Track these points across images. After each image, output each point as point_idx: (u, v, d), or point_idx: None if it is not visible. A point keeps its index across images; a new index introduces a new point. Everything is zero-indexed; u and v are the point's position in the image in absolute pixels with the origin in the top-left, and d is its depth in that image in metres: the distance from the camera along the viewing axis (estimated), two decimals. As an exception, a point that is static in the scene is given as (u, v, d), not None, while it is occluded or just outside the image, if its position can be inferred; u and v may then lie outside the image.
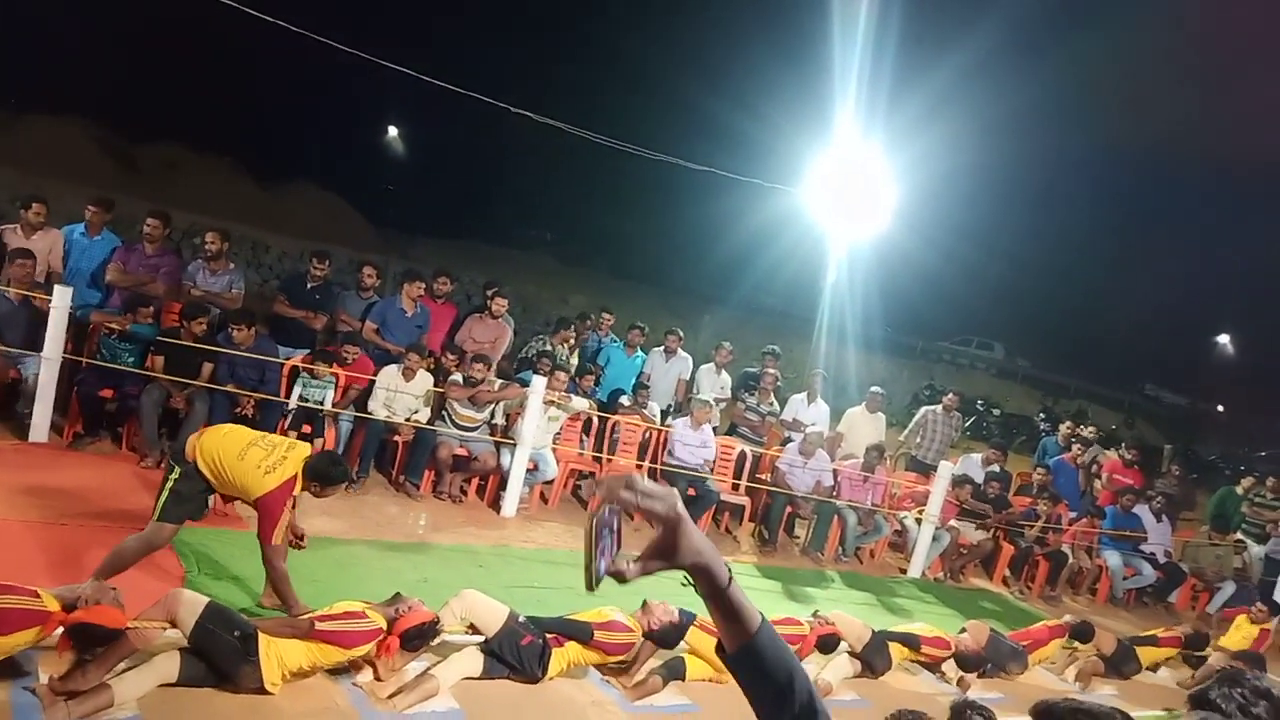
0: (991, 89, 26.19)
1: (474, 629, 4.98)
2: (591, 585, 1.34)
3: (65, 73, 22.31)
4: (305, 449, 5.03)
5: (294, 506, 4.97)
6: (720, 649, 1.45)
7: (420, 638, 4.64)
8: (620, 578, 1.35)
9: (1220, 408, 34.28)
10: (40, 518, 5.61)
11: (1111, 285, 39.60)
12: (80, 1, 24.01)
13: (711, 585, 1.40)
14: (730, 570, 1.41)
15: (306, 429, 7.50)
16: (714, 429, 9.55)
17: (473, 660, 4.87)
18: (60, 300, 6.75)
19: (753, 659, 1.43)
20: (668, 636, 5.31)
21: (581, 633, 5.13)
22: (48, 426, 6.94)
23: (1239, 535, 11.39)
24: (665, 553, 1.36)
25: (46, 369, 6.77)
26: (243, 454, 4.88)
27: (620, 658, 5.34)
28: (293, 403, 7.51)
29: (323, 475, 4.94)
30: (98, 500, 6.11)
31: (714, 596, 1.41)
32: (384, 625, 4.53)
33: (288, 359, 7.84)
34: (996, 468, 10.47)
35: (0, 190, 13.41)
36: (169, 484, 4.86)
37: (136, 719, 3.87)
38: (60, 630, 3.80)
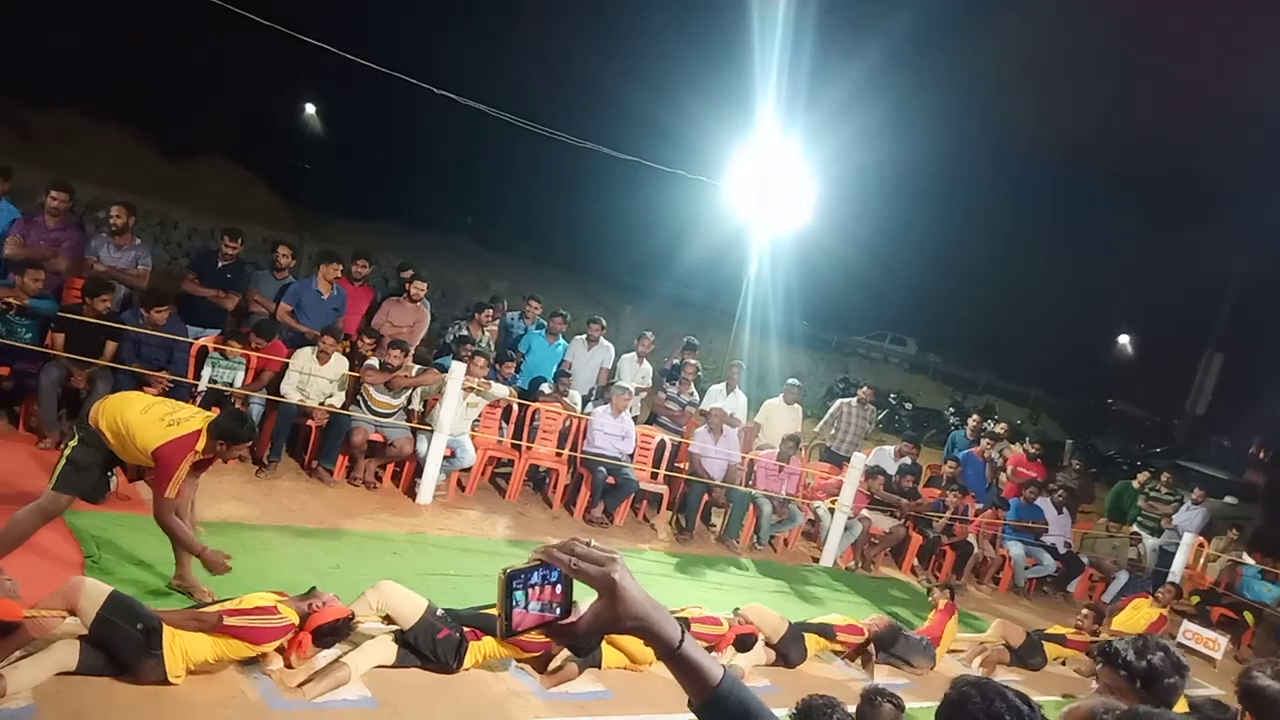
0: (907, 84, 26.84)
1: (389, 620, 4.91)
2: (500, 634, 1.40)
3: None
4: (211, 414, 4.91)
5: (197, 469, 4.89)
6: (690, 701, 1.47)
7: (334, 634, 4.56)
8: (515, 635, 1.40)
9: (1115, 404, 35.65)
10: (-72, 500, 5.34)
11: (1019, 282, 40.86)
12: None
13: (660, 648, 1.43)
14: (683, 631, 1.43)
15: (215, 411, 7.26)
16: (634, 418, 9.58)
17: (385, 649, 4.79)
18: (-48, 272, 6.42)
19: (716, 712, 1.44)
20: (581, 644, 5.28)
21: (497, 628, 5.07)
22: (-63, 405, 6.61)
23: (1134, 528, 11.89)
24: (605, 618, 1.40)
25: (-64, 344, 6.44)
26: (146, 409, 4.83)
27: (537, 655, 5.32)
28: (202, 384, 7.29)
29: (229, 432, 4.83)
30: (-9, 482, 5.85)
31: (665, 658, 1.44)
32: (296, 620, 4.42)
33: (197, 339, 7.58)
34: (908, 460, 10.72)
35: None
36: (67, 451, 4.75)
37: (31, 709, 3.71)
38: None
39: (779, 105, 13.16)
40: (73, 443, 4.79)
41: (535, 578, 1.39)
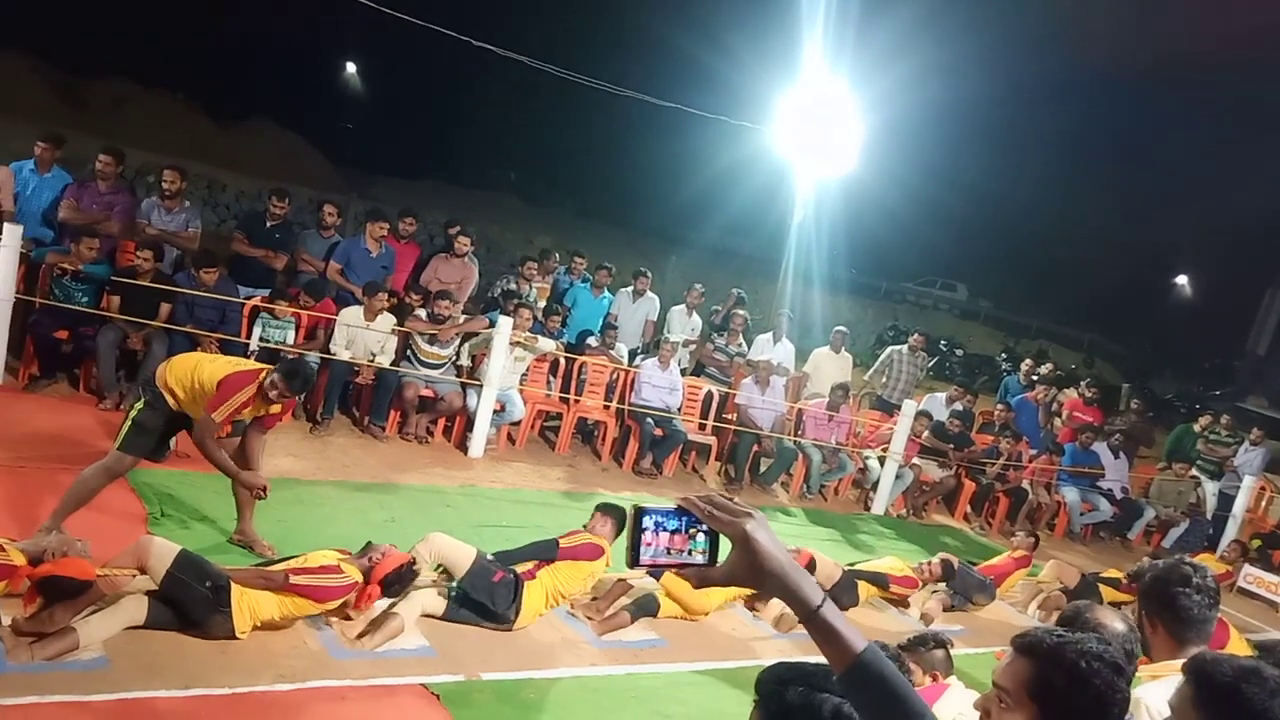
0: (957, 23, 26.05)
1: (445, 572, 4.98)
2: (628, 564, 1.49)
3: (8, 5, 21.41)
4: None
5: (261, 423, 5.03)
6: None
7: (399, 581, 4.63)
8: (640, 566, 1.48)
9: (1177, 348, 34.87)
10: (1, 460, 5.50)
11: (1072, 224, 39.95)
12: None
13: (798, 609, 1.44)
14: (825, 596, 1.44)
15: (269, 370, 7.40)
16: (682, 370, 9.57)
17: (434, 598, 4.86)
18: (10, 239, 6.54)
19: (855, 684, 1.44)
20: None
21: (546, 549, 5.13)
22: (2, 369, 6.78)
23: (1194, 472, 11.66)
24: (739, 571, 1.44)
25: (-2, 310, 6.60)
26: (214, 360, 5.13)
27: (592, 565, 5.28)
28: (254, 343, 7.39)
29: (290, 372, 4.95)
30: (56, 442, 6.01)
31: (804, 620, 1.45)
32: (359, 578, 4.49)
33: (248, 299, 7.69)
34: (960, 406, 10.60)
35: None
36: (132, 413, 4.87)
37: (104, 660, 3.84)
38: (27, 584, 3.73)
39: (825, 47, 12.85)
40: (138, 405, 4.90)
41: (668, 520, 1.47)
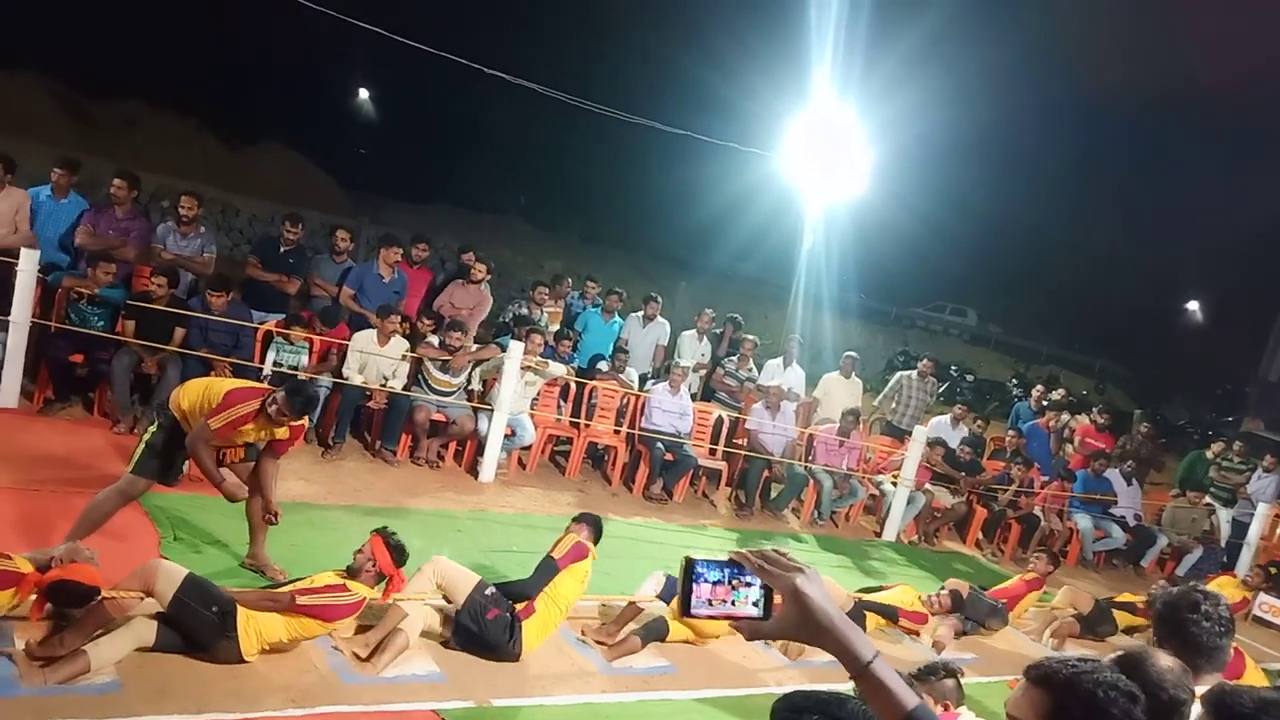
0: (964, 50, 26.18)
1: (448, 597, 4.97)
2: (680, 613, 1.59)
3: (20, 27, 21.65)
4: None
5: (275, 448, 5.06)
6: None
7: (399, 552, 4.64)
8: (692, 616, 1.52)
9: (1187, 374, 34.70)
10: (13, 483, 5.54)
11: (1082, 250, 39.88)
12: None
13: (848, 664, 1.47)
14: (876, 652, 1.47)
15: (281, 394, 7.43)
16: (692, 395, 9.58)
17: (432, 614, 4.86)
18: (27, 264, 6.61)
19: None
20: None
21: (549, 571, 5.04)
22: (17, 392, 6.83)
23: (1207, 499, 11.59)
24: (788, 624, 1.48)
25: (15, 333, 6.65)
26: (226, 382, 5.21)
27: (585, 564, 5.19)
28: (267, 368, 7.43)
29: (293, 390, 4.98)
30: (71, 465, 6.05)
31: (854, 675, 1.47)
32: (367, 594, 4.49)
33: (261, 323, 7.74)
34: (966, 430, 10.57)
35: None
36: (146, 437, 4.91)
37: (115, 684, 3.84)
38: (35, 593, 3.75)
39: (835, 73, 12.94)
40: (152, 428, 4.94)
41: (720, 571, 1.52)
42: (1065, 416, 12.14)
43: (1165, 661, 2.34)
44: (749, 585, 1.52)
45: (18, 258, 6.64)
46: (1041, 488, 10.43)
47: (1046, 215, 38.82)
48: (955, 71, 25.68)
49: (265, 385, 5.16)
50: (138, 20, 24.84)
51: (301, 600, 4.27)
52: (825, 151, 12.44)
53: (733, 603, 1.52)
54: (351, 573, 4.53)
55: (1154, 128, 38.01)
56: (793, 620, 1.47)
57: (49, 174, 7.91)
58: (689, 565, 1.51)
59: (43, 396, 7.01)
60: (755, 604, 1.53)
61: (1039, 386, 12.86)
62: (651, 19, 33.99)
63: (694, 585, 1.50)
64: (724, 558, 1.53)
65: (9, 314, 6.61)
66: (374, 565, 4.54)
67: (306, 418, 5.44)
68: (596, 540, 5.37)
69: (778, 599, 1.51)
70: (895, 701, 1.45)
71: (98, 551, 4.03)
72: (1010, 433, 11.02)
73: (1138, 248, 37.99)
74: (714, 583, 1.51)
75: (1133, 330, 35.51)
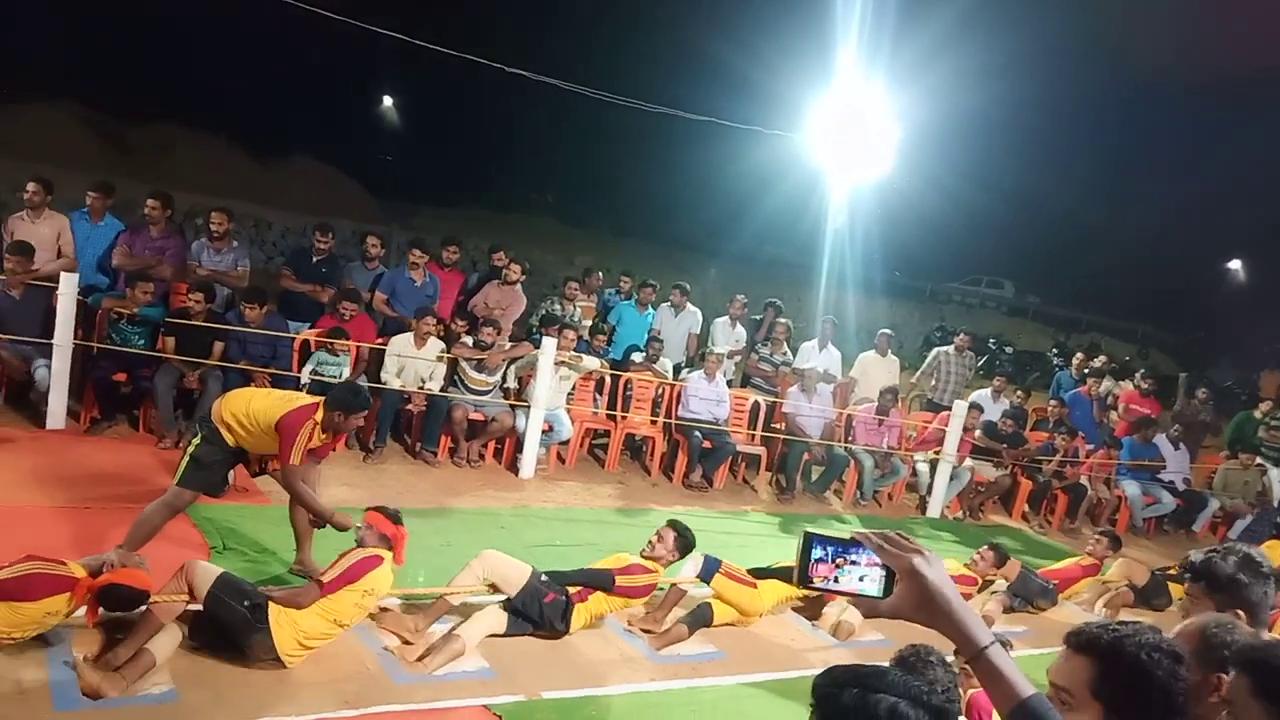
0: (992, 24, 25.76)
1: (495, 589, 5.02)
2: (795, 582, 1.64)
3: (54, 58, 22.10)
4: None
5: (316, 454, 5.07)
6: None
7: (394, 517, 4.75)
8: (809, 587, 1.62)
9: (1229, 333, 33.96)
10: (65, 502, 5.67)
11: (1119, 215, 39.17)
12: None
13: (964, 648, 1.50)
14: (994, 638, 1.50)
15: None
16: (729, 382, 9.56)
17: (496, 617, 4.91)
18: (67, 288, 6.75)
19: None
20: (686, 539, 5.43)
21: (603, 581, 5.16)
22: (64, 414, 6.97)
23: (1259, 460, 11.36)
24: (905, 604, 1.52)
25: (59, 356, 6.79)
26: (267, 395, 5.22)
27: (643, 600, 5.39)
28: (305, 377, 7.52)
29: (344, 402, 4.99)
30: (119, 482, 6.17)
31: (969, 660, 1.50)
32: (381, 553, 4.56)
33: (297, 333, 7.85)
34: (1007, 403, 10.46)
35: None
36: (190, 449, 4.97)
37: (171, 693, 3.93)
38: (89, 598, 3.85)
39: (861, 51, 12.79)
40: (195, 441, 5.01)
41: (839, 549, 1.59)
42: (1108, 383, 11.95)
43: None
44: (854, 564, 1.59)
45: (58, 282, 6.78)
46: (1086, 456, 10.29)
47: (1080, 183, 38.19)
48: (986, 47, 25.25)
49: (307, 397, 5.19)
50: (165, 45, 25.31)
51: (326, 578, 4.36)
52: (853, 131, 12.33)
53: (836, 579, 1.59)
54: (358, 545, 4.65)
55: (1194, 96, 37.22)
56: (910, 600, 1.51)
57: (75, 195, 8.06)
58: (808, 539, 1.60)
59: (89, 416, 7.16)
60: (863, 580, 1.59)
61: (1080, 355, 12.67)
62: (671, 3, 33.88)
63: (812, 559, 1.59)
64: (843, 536, 1.60)
65: (52, 338, 6.76)
66: (373, 530, 4.63)
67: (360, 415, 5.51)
68: (682, 555, 5.43)
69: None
70: (1010, 689, 1.46)
71: (147, 558, 4.13)
72: (1052, 402, 10.88)
73: (1177, 211, 37.22)
74: (834, 560, 1.59)
75: (1175, 294, 34.84)
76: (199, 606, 4.16)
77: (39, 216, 7.52)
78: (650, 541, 5.41)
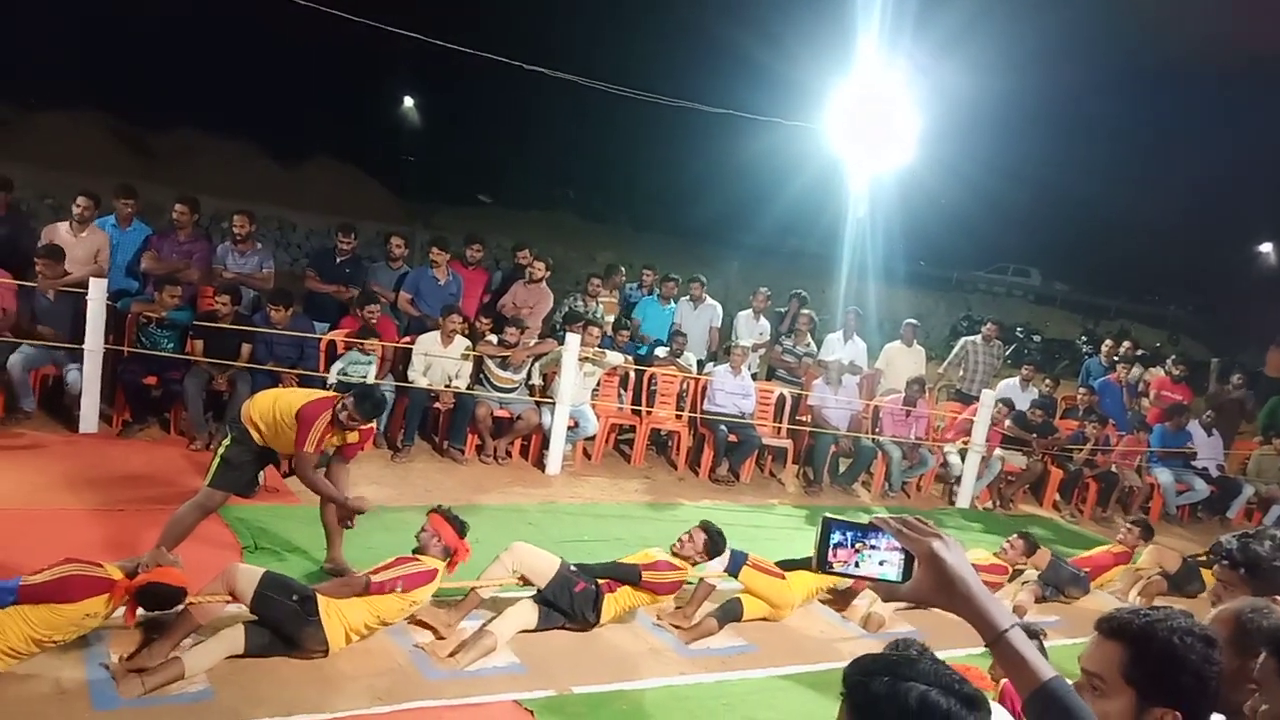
0: (1014, 10, 25.49)
1: (525, 581, 5.04)
2: (814, 567, 1.63)
3: (76, 67, 22.38)
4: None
5: (345, 453, 5.15)
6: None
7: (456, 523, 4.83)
8: (828, 572, 1.62)
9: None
10: (99, 504, 5.74)
11: (1145, 201, 38.67)
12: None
13: (983, 632, 1.50)
14: (1013, 623, 1.50)
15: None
16: (753, 375, 9.53)
17: (528, 613, 4.93)
18: (97, 293, 6.83)
19: (1038, 711, 1.48)
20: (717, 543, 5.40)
21: (630, 575, 5.18)
22: (96, 417, 7.06)
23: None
24: (924, 588, 1.51)
25: (90, 361, 6.87)
26: (292, 392, 5.33)
27: (670, 596, 5.40)
28: (332, 377, 7.57)
29: (362, 395, 5.09)
30: (152, 484, 6.24)
31: (989, 644, 1.50)
32: (437, 566, 4.60)
33: (323, 334, 7.90)
34: (1036, 392, 10.36)
35: (25, 188, 13.50)
36: (221, 450, 5.02)
37: (207, 691, 3.96)
38: (127, 598, 3.88)
39: (881, 39, 12.67)
40: (225, 442, 5.06)
41: (857, 534, 1.59)
42: (1138, 370, 11.82)
43: None
44: (874, 549, 1.58)
45: (87, 288, 6.86)
46: (1117, 444, 10.19)
47: (1104, 169, 37.64)
48: (1008, 34, 24.98)
49: (332, 393, 5.25)
50: (185, 52, 25.54)
51: (376, 579, 4.39)
52: (873, 120, 12.25)
53: (857, 564, 1.59)
54: (418, 551, 4.69)
55: (1221, 77, 36.68)
56: (929, 584, 1.50)
57: (111, 205, 8.14)
58: (827, 524, 1.59)
59: (121, 420, 7.24)
60: (882, 565, 1.58)
61: (1109, 341, 12.54)
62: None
63: (830, 544, 1.58)
64: (860, 520, 1.59)
65: (83, 343, 6.84)
66: (438, 540, 4.69)
67: (374, 421, 5.56)
68: (711, 556, 5.42)
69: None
70: (1030, 672, 1.45)
71: (180, 557, 4.17)
72: (1082, 390, 10.78)
73: (1205, 194, 36.72)
74: (844, 544, 1.59)
75: (1205, 279, 34.42)
76: (238, 607, 4.20)
77: (83, 230, 7.61)
78: (680, 539, 5.40)
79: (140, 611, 3.93)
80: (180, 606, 4.02)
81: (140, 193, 8.57)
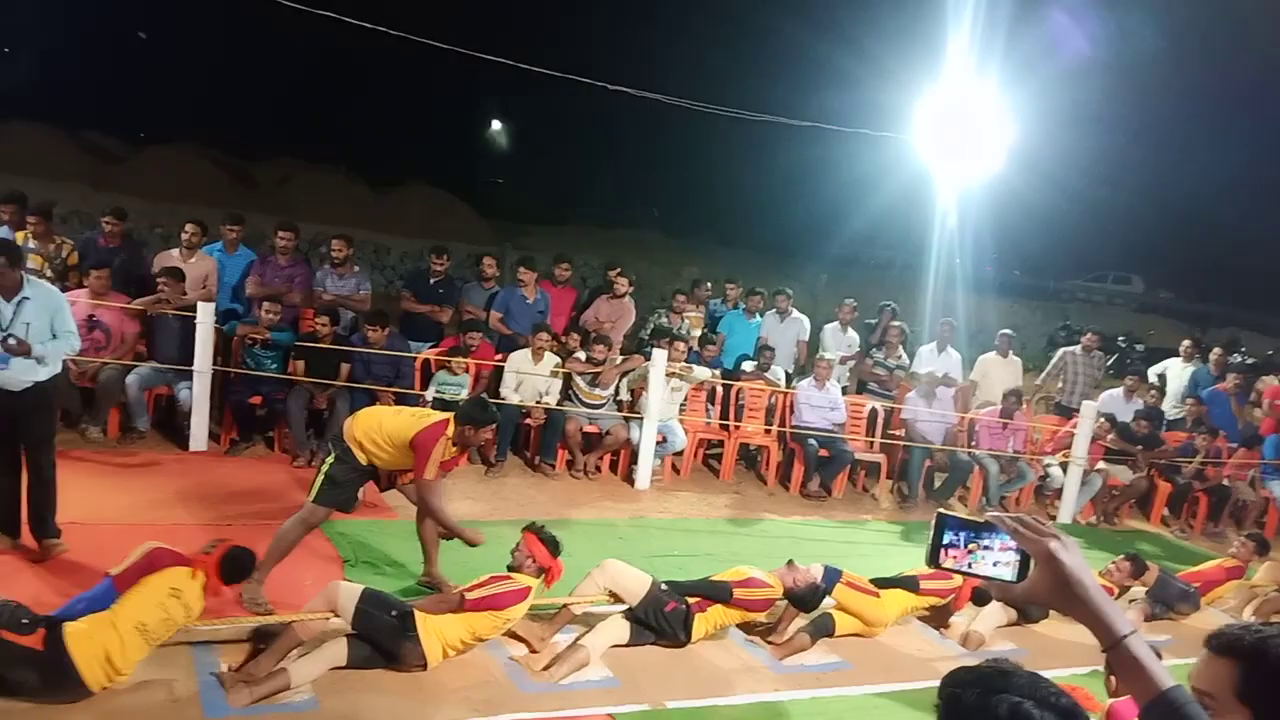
0: (1111, 14, 24.72)
1: (616, 598, 5.06)
2: (928, 561, 1.63)
3: (183, 103, 23.50)
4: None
5: (443, 468, 5.16)
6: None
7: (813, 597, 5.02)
8: (940, 568, 1.62)
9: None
10: (210, 520, 5.97)
11: (1255, 208, 37.03)
12: (188, 37, 25.29)
13: (1102, 637, 1.48)
14: (1134, 629, 1.48)
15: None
16: (843, 389, 9.42)
17: (620, 628, 4.96)
18: (205, 316, 7.13)
19: (1158, 717, 1.45)
20: (806, 598, 5.29)
21: (722, 593, 5.16)
22: (206, 436, 7.35)
23: None
24: (1040, 590, 1.49)
25: (199, 381, 7.17)
26: (398, 413, 5.32)
27: (761, 615, 5.37)
28: (429, 395, 7.75)
29: (473, 417, 5.08)
30: (258, 500, 6.47)
31: (1107, 649, 1.48)
32: (531, 583, 4.66)
33: (418, 353, 8.10)
34: (1140, 403, 10.00)
35: (137, 217, 14.15)
36: (325, 468, 5.14)
37: (312, 701, 4.09)
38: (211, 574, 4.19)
39: (972, 47, 12.43)
40: (330, 460, 5.17)
41: (973, 532, 1.58)
42: (1250, 379, 11.31)
43: None
44: (988, 549, 1.56)
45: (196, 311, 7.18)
46: (1229, 456, 9.76)
47: (1211, 171, 36.14)
48: (1104, 38, 24.22)
49: (439, 414, 5.29)
50: (283, 86, 26.54)
51: (471, 596, 4.48)
52: (964, 129, 12.03)
53: (970, 564, 1.57)
54: (512, 569, 4.75)
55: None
56: (1046, 586, 1.47)
57: (217, 232, 8.52)
58: (940, 520, 1.59)
59: (228, 438, 7.53)
60: (996, 565, 1.56)
61: (1217, 350, 12.04)
62: (774, 8, 33.68)
63: (944, 540, 1.58)
64: (976, 518, 1.59)
65: (193, 364, 7.15)
66: (533, 560, 4.74)
67: (494, 427, 5.63)
68: (798, 609, 5.41)
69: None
70: (1150, 680, 1.42)
71: (291, 579, 4.33)
72: (1189, 400, 10.36)
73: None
74: (957, 543, 1.58)
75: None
76: (340, 623, 4.33)
77: (191, 256, 7.97)
78: (788, 566, 5.38)
79: (224, 590, 4.28)
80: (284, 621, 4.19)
81: (246, 221, 8.94)
